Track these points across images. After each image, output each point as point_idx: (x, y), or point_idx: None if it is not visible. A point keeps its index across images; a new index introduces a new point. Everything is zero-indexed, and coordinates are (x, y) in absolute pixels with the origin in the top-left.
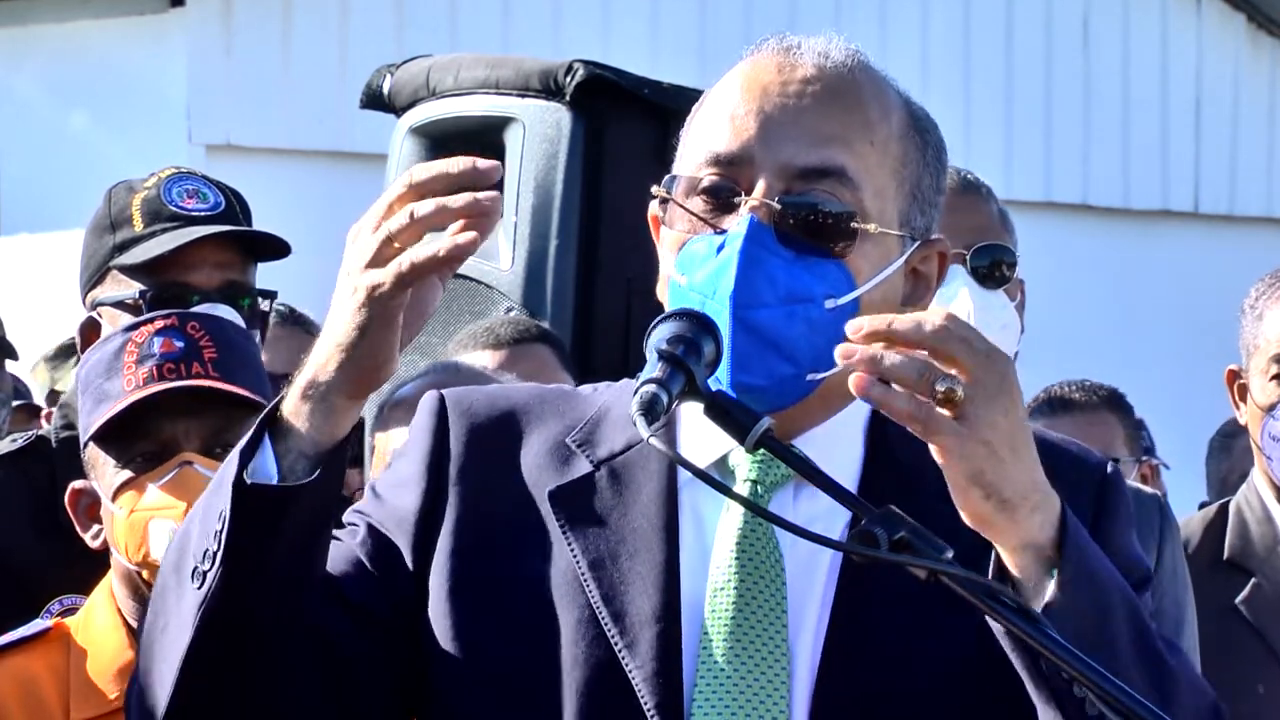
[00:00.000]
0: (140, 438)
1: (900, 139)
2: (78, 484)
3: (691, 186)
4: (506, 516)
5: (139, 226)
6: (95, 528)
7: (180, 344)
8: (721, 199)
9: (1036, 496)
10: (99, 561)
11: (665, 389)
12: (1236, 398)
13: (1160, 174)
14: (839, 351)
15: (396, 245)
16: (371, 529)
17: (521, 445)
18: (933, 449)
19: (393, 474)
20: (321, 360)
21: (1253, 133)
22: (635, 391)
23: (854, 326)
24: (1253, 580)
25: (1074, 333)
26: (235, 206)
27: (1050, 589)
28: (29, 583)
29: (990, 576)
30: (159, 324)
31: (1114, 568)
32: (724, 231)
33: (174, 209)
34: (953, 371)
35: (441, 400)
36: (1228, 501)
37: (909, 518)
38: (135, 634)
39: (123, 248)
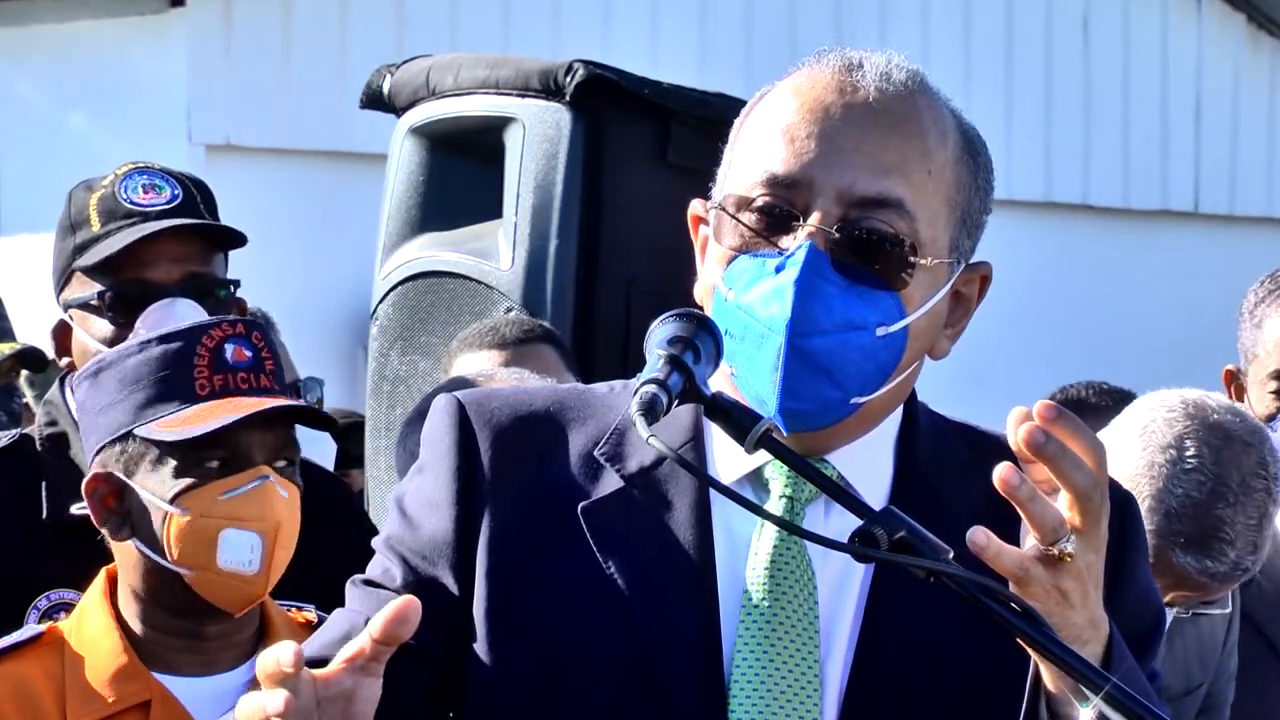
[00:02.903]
0: (213, 444)
1: (955, 164)
2: (100, 471)
3: (745, 204)
4: (539, 531)
5: (96, 226)
6: (114, 519)
7: (249, 354)
8: (776, 219)
9: (1089, 633)
10: (84, 558)
11: (665, 389)
12: (1234, 398)
13: (1160, 174)
14: (1023, 439)
15: None
16: (408, 567)
17: (548, 455)
18: (1012, 584)
19: (420, 492)
20: None
21: (1253, 133)
22: (635, 392)
23: (1047, 414)
24: (1252, 579)
25: (1074, 332)
26: (195, 197)
27: (1085, 715)
28: (14, 581)
29: (1029, 686)
30: (228, 330)
31: (1147, 683)
32: (778, 253)
33: (129, 206)
34: (1071, 525)
35: (462, 408)
36: None
37: (909, 518)
38: (130, 637)
39: (82, 249)
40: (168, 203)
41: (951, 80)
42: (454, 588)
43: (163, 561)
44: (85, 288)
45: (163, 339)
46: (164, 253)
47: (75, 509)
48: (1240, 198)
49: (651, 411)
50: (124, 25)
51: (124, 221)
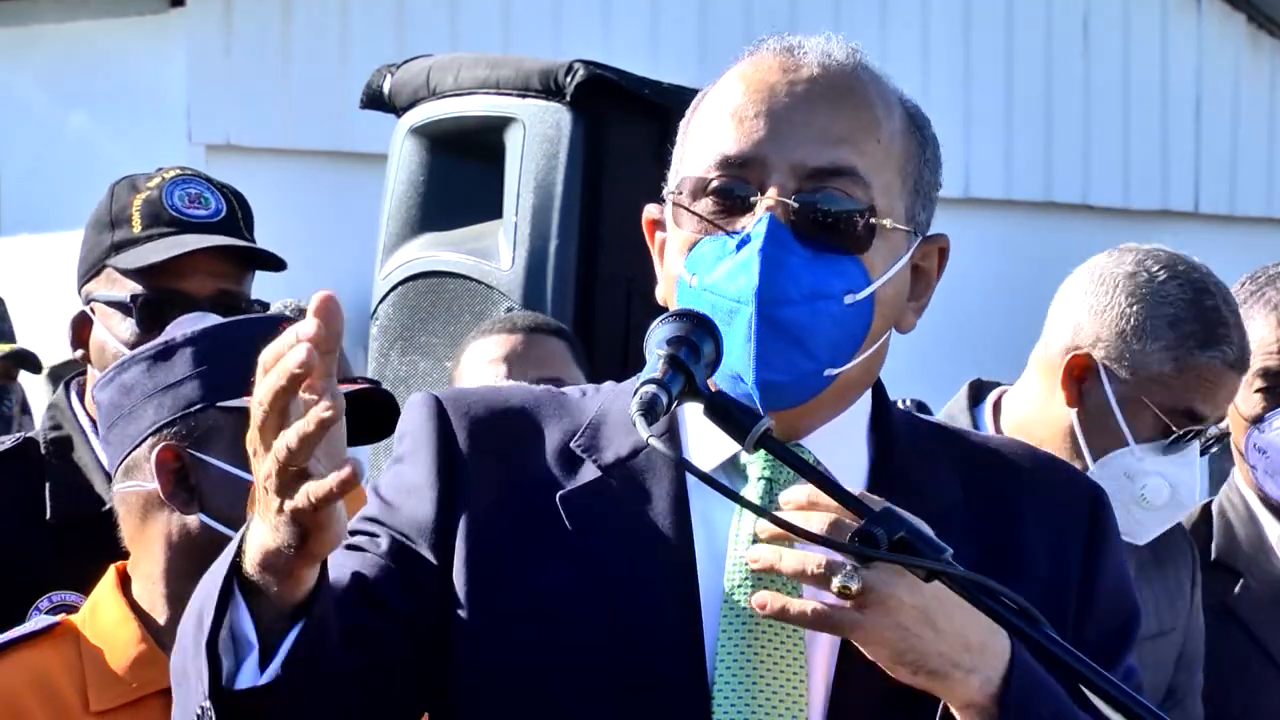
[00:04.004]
0: None
1: (903, 135)
2: (172, 444)
3: (700, 188)
4: (518, 522)
5: (137, 228)
6: (182, 494)
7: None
8: (733, 200)
9: (969, 659)
10: (87, 560)
11: (665, 389)
12: None
13: (1160, 174)
14: (750, 558)
15: (293, 467)
16: (393, 538)
17: (526, 448)
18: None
19: (399, 479)
20: (271, 548)
21: (1253, 133)
22: (635, 392)
23: (762, 529)
24: (1241, 580)
25: None
26: (237, 213)
27: None
28: (17, 583)
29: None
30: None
31: (1068, 701)
32: (736, 233)
33: (173, 213)
34: (850, 563)
35: (439, 402)
36: (1209, 502)
37: (909, 517)
38: (148, 625)
39: (119, 247)
40: (211, 216)
41: (951, 80)
42: (435, 567)
43: (234, 534)
44: (116, 286)
45: (240, 325)
46: (201, 267)
47: (119, 488)
48: (1240, 198)
49: (651, 411)
50: (124, 25)
51: (167, 229)
